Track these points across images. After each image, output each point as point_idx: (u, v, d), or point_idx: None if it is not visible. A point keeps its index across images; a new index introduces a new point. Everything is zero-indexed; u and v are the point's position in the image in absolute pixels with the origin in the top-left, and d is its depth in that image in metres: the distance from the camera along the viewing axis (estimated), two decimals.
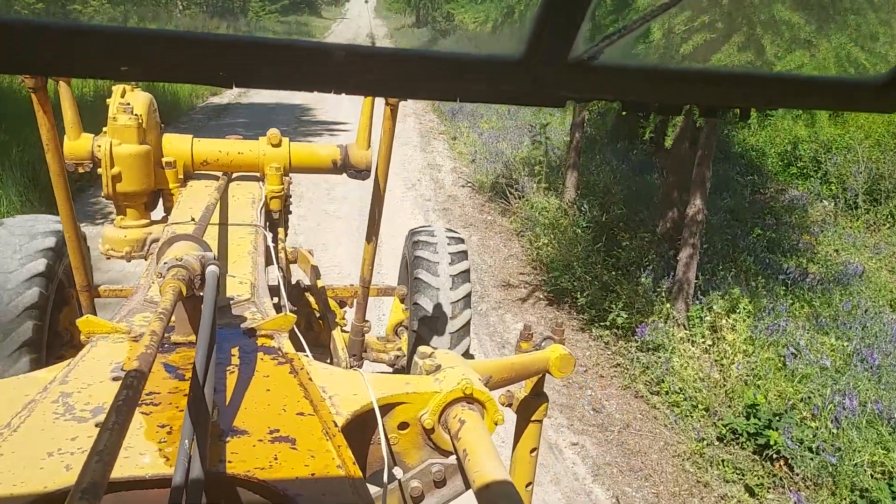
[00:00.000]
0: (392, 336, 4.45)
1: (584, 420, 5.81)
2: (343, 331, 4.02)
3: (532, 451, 2.27)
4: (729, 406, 5.76)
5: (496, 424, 1.82)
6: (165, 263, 1.67)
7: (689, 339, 6.45)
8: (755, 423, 5.31)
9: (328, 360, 3.78)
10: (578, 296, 7.55)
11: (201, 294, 1.67)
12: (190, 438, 1.27)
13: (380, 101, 3.33)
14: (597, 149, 11.21)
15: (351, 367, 3.59)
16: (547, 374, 2.18)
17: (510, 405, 2.29)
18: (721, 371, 6.05)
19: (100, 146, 3.16)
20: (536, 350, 2.21)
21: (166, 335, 1.78)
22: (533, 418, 2.24)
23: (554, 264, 8.34)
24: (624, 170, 10.43)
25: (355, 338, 3.93)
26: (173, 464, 1.28)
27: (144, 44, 0.47)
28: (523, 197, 10.17)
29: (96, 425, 1.43)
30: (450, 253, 4.02)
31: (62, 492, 1.23)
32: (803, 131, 11.86)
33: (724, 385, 5.93)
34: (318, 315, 4.08)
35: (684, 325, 6.59)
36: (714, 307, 6.52)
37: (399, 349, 4.32)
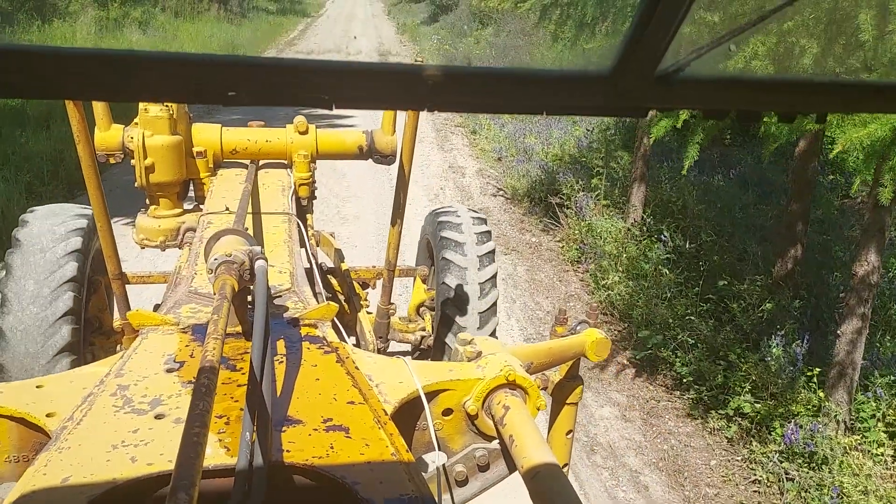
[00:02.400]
0: (415, 316, 4.31)
1: None
2: (367, 312, 3.92)
3: (568, 434, 2.20)
4: None
5: (539, 410, 1.80)
6: (215, 259, 1.65)
7: (859, 448, 4.52)
8: None
9: (354, 342, 3.77)
10: (677, 364, 5.60)
11: (248, 286, 1.66)
12: (250, 429, 1.27)
13: None
14: (664, 153, 9.11)
15: (378, 349, 3.62)
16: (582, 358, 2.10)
17: (545, 388, 2.17)
18: None
19: (132, 137, 3.15)
20: (572, 334, 2.13)
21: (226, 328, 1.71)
22: (568, 401, 2.17)
23: (634, 314, 6.36)
24: (704, 181, 8.34)
25: (381, 320, 3.83)
26: (233, 454, 1.30)
27: (251, 71, 0.50)
28: (576, 214, 8.13)
29: (156, 417, 1.44)
30: (476, 233, 3.91)
31: (130, 483, 1.24)
32: None
33: None
34: (343, 298, 3.98)
35: (848, 425, 4.65)
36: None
37: (423, 329, 4.19)
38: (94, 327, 3.57)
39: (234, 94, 0.49)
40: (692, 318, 6.00)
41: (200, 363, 1.21)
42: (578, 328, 2.15)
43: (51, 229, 3.26)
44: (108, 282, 3.23)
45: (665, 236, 6.94)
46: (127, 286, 3.35)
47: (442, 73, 0.51)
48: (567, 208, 8.30)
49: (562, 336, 2.17)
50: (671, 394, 5.58)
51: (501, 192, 10.27)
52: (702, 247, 6.96)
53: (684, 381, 5.52)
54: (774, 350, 5.17)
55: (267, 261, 1.73)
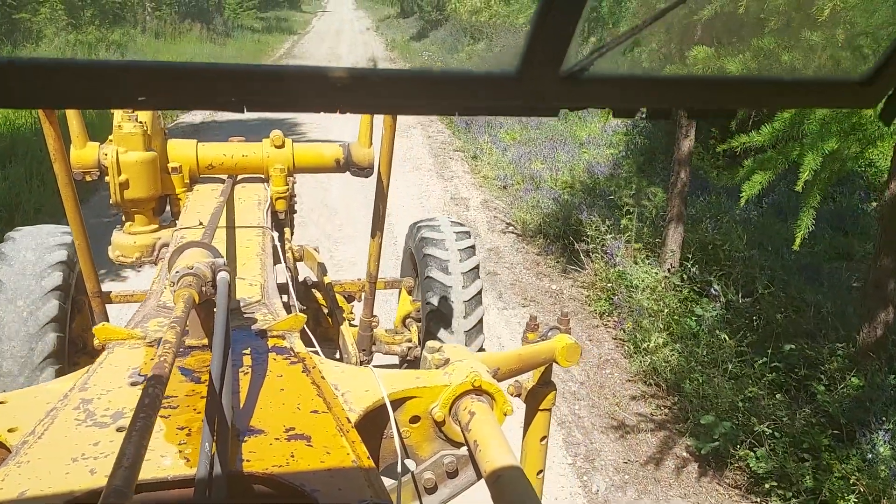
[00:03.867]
0: (401, 328, 4.21)
1: None
2: (351, 325, 3.85)
3: (542, 440, 2.18)
4: None
5: (505, 415, 1.79)
6: (177, 272, 1.64)
7: None
8: None
9: (337, 356, 3.74)
10: (751, 458, 4.52)
11: (213, 298, 1.65)
12: (210, 440, 1.27)
13: None
14: (699, 186, 8.00)
15: (361, 361, 3.58)
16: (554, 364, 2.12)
17: (519, 395, 2.19)
18: None
19: (106, 154, 3.15)
20: (543, 340, 2.12)
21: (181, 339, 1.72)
22: (541, 407, 2.16)
23: (686, 387, 5.27)
24: (751, 219, 7.25)
25: (364, 333, 3.73)
26: (194, 465, 1.29)
27: (162, 75, 0.51)
28: (603, 258, 7.05)
29: (118, 430, 1.43)
30: (459, 249, 3.84)
31: (88, 495, 1.23)
32: None
33: None
34: (326, 311, 3.90)
35: None
36: None
37: (409, 340, 4.07)
38: (77, 347, 3.54)
39: (143, 100, 0.50)
40: (757, 392, 4.93)
41: (151, 371, 1.18)
42: (549, 334, 2.11)
43: (37, 242, 3.35)
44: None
45: (716, 290, 5.86)
46: (111, 305, 3.45)
47: (349, 76, 0.52)
48: (592, 252, 7.21)
49: (532, 342, 2.12)
50: (747, 499, 4.49)
51: (511, 228, 9.18)
52: (758, 301, 5.88)
53: (763, 482, 4.43)
54: (881, 448, 4.10)
55: (231, 272, 1.69)
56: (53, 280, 3.23)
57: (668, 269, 6.59)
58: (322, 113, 0.53)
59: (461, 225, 4.15)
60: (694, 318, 5.92)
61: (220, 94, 0.51)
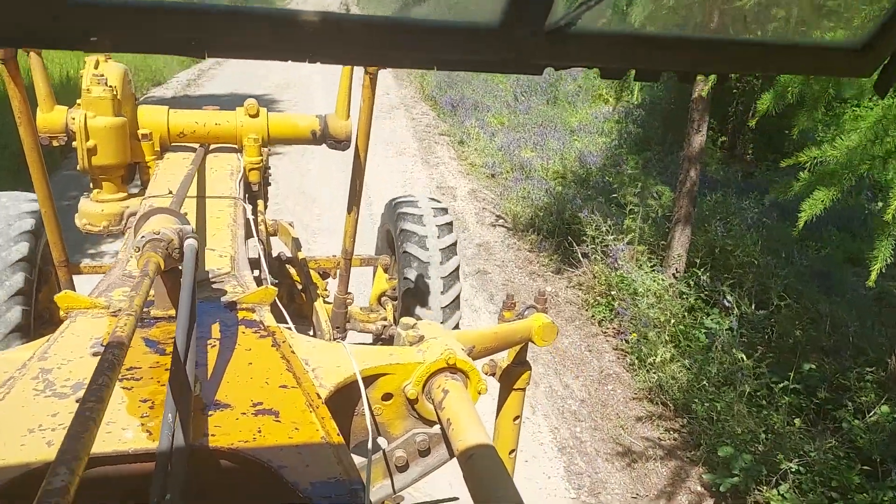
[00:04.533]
0: (376, 306, 4.13)
1: None
2: (326, 302, 3.77)
3: (515, 419, 2.16)
4: None
5: (479, 394, 1.75)
6: (143, 237, 1.58)
7: None
8: None
9: (311, 333, 3.63)
10: (775, 499, 4.06)
11: (180, 268, 1.58)
12: (173, 412, 1.22)
13: (359, 70, 3.07)
14: (708, 184, 7.48)
15: (335, 338, 3.50)
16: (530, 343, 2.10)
17: (493, 374, 2.16)
18: None
19: (74, 119, 3.03)
20: (519, 319, 2.10)
21: (146, 310, 1.72)
22: (515, 387, 2.14)
23: (698, 410, 4.80)
24: (764, 223, 6.74)
25: (338, 310, 3.70)
26: (156, 438, 1.25)
27: (112, 14, 0.46)
28: (603, 259, 6.53)
29: (77, 401, 1.36)
30: (437, 225, 3.78)
31: (44, 468, 1.12)
32: None
33: None
34: (300, 287, 3.79)
35: None
36: None
37: (385, 319, 4.01)
38: (44, 319, 3.45)
39: (95, 40, 0.45)
40: (776, 417, 4.47)
41: (109, 339, 1.11)
42: (526, 313, 2.10)
43: (1, 212, 3.26)
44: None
45: (728, 301, 5.37)
46: (81, 277, 3.39)
47: (321, 21, 0.47)
48: (591, 252, 6.68)
49: (509, 321, 2.11)
50: None
51: (501, 221, 8.63)
52: (773, 314, 5.41)
53: None
54: None
55: (200, 241, 1.64)
56: (19, 250, 3.13)
57: (674, 275, 6.10)
58: (290, 62, 0.50)
59: (439, 201, 4.09)
60: (703, 331, 5.44)
61: (176, 33, 0.46)
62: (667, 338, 5.46)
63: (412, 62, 0.55)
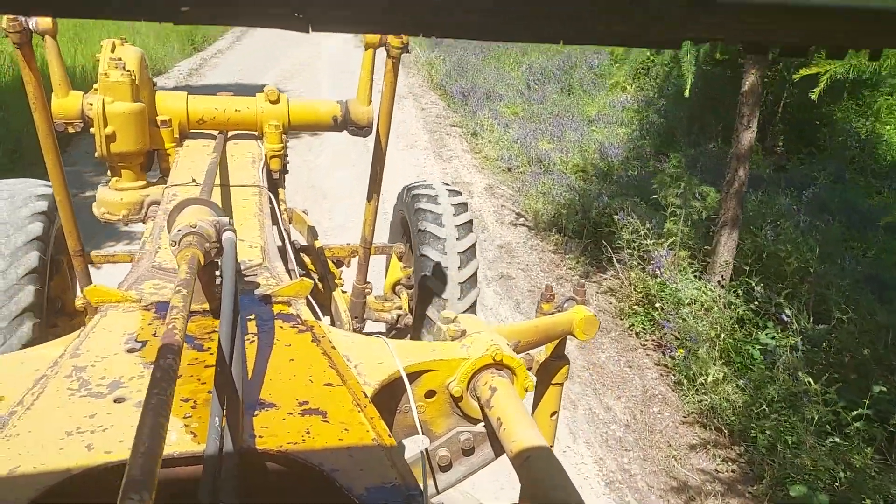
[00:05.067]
0: (391, 295, 4.08)
1: None
2: (342, 291, 3.65)
3: (552, 415, 2.08)
4: None
5: (526, 391, 1.68)
6: (179, 230, 1.51)
7: None
8: None
9: (329, 324, 3.45)
10: None
11: (215, 260, 1.54)
12: (219, 414, 1.17)
13: (381, 54, 3.03)
14: (751, 181, 6.91)
15: (354, 329, 3.44)
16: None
17: (530, 368, 1.99)
18: None
19: (91, 104, 2.94)
20: (559, 312, 2.00)
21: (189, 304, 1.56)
22: (554, 381, 2.04)
23: (758, 439, 4.31)
24: (816, 225, 6.19)
25: (357, 300, 3.66)
26: (201, 440, 1.19)
27: None
28: (640, 265, 6.01)
29: (115, 401, 1.32)
30: (452, 204, 3.75)
31: (85, 473, 1.12)
32: None
33: None
34: (317, 277, 3.66)
35: None
36: None
37: (399, 308, 3.95)
38: (56, 308, 3.41)
39: (187, 10, 0.40)
40: (837, 445, 3.98)
41: (162, 341, 1.06)
42: (566, 305, 2.03)
43: (16, 193, 3.19)
44: (71, 261, 3.10)
45: (787, 315, 4.86)
46: (91, 266, 3.30)
47: None
48: (626, 257, 6.16)
49: (548, 314, 2.02)
50: None
51: (522, 220, 8.11)
52: (835, 328, 4.90)
53: None
54: None
55: (235, 232, 1.58)
56: (33, 230, 3.07)
57: (720, 283, 5.59)
58: (405, 35, 0.35)
59: (452, 185, 4.04)
60: (758, 348, 4.93)
61: (280, 7, 0.40)
62: (716, 354, 4.95)
63: (537, 36, 0.45)
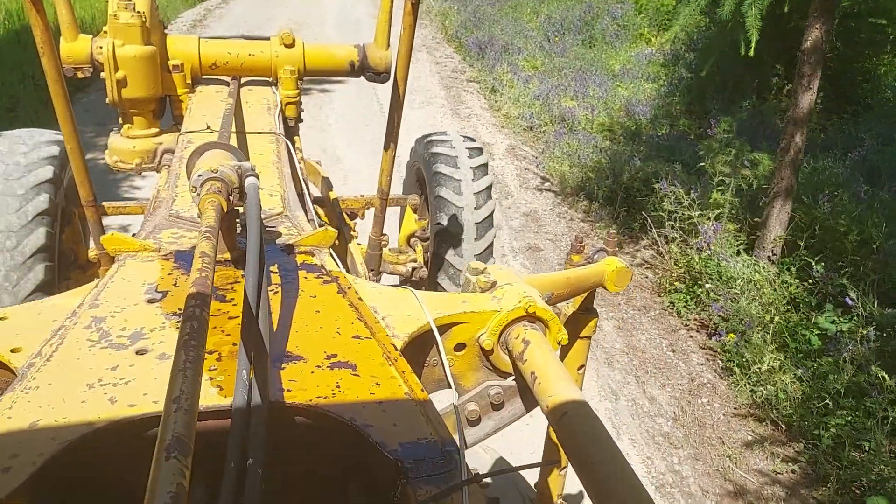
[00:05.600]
0: (405, 247, 4.05)
1: None
2: (358, 244, 3.57)
3: (580, 369, 2.00)
4: None
5: (559, 344, 1.62)
6: (200, 176, 1.43)
7: None
8: None
9: None
10: None
11: (237, 207, 1.49)
12: (247, 367, 1.12)
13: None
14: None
15: (369, 280, 3.20)
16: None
17: None
18: None
19: (101, 48, 2.81)
20: (589, 263, 1.92)
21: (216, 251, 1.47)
22: (581, 335, 1.96)
23: (823, 437, 3.90)
24: (880, 197, 5.65)
25: (373, 252, 3.53)
26: (228, 393, 1.15)
27: None
28: (681, 237, 5.53)
29: (137, 353, 1.27)
30: (472, 167, 3.64)
31: (109, 426, 1.07)
32: None
33: None
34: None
35: None
36: None
37: (414, 260, 3.92)
38: (69, 261, 3.34)
39: None
40: None
41: (192, 288, 1.02)
42: (596, 257, 1.94)
43: (18, 158, 3.07)
44: (83, 212, 2.95)
45: (851, 298, 4.40)
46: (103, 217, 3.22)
47: None
48: (666, 228, 5.66)
49: (578, 265, 1.93)
50: None
51: (548, 184, 7.61)
52: None
53: None
54: None
55: (259, 178, 1.51)
56: (44, 173, 3.00)
57: (769, 259, 5.11)
58: None
59: (473, 140, 3.96)
60: (816, 333, 4.49)
61: None
62: (770, 339, 4.51)
63: None
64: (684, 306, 5.27)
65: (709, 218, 5.29)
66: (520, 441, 3.38)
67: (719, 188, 5.37)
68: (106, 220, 3.55)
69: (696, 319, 5.21)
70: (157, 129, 3.10)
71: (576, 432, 1.27)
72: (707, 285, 4.98)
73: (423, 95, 10.20)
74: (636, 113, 9.23)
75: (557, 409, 1.33)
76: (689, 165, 6.23)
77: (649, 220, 5.76)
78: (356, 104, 9.40)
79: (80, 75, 2.96)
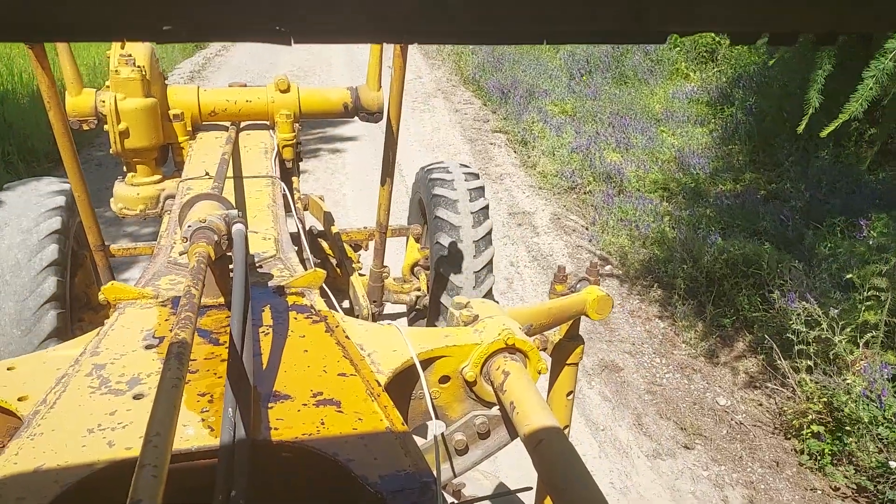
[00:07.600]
0: (409, 276, 4.07)
1: None
2: (360, 275, 3.67)
3: (568, 395, 2.03)
4: None
5: (539, 373, 1.66)
6: (189, 227, 1.52)
7: None
8: None
9: (346, 305, 3.60)
10: None
11: (228, 253, 1.55)
12: (233, 406, 1.16)
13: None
14: None
15: (372, 313, 3.46)
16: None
17: (545, 349, 2.01)
18: None
19: (104, 101, 2.95)
20: (572, 292, 1.95)
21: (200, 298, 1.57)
22: (568, 361, 1.99)
23: None
24: None
25: (374, 284, 3.65)
26: (219, 434, 1.18)
27: None
28: (816, 362, 4.15)
29: (134, 397, 1.32)
30: (468, 189, 3.66)
31: (107, 469, 1.13)
32: None
33: None
34: (334, 262, 3.71)
35: None
36: None
37: (418, 289, 3.94)
38: (81, 303, 3.36)
39: (169, 29, 0.38)
40: None
41: (173, 335, 1.07)
42: (578, 286, 1.97)
43: (28, 209, 3.06)
44: (94, 256, 3.07)
45: None
46: (113, 259, 3.29)
47: None
48: (796, 354, 4.27)
49: (561, 294, 1.98)
50: None
51: (609, 266, 6.25)
52: None
53: None
54: None
55: (246, 225, 1.59)
56: (53, 224, 2.98)
57: None
58: (385, 44, 0.41)
59: (468, 167, 3.89)
60: None
61: (260, 20, 0.37)
62: None
63: (517, 37, 0.43)
64: (830, 461, 3.88)
65: (856, 343, 3.91)
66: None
67: (867, 303, 3.99)
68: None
69: (843, 474, 3.82)
70: (160, 176, 3.16)
71: (551, 459, 1.30)
72: (857, 430, 3.58)
73: (445, 151, 8.89)
74: (691, 165, 7.89)
75: (534, 437, 1.35)
76: (775, 238, 4.85)
77: (775, 346, 4.35)
78: (372, 164, 8.10)
79: (85, 127, 3.04)
